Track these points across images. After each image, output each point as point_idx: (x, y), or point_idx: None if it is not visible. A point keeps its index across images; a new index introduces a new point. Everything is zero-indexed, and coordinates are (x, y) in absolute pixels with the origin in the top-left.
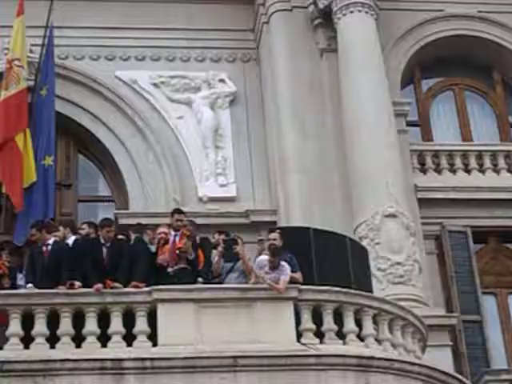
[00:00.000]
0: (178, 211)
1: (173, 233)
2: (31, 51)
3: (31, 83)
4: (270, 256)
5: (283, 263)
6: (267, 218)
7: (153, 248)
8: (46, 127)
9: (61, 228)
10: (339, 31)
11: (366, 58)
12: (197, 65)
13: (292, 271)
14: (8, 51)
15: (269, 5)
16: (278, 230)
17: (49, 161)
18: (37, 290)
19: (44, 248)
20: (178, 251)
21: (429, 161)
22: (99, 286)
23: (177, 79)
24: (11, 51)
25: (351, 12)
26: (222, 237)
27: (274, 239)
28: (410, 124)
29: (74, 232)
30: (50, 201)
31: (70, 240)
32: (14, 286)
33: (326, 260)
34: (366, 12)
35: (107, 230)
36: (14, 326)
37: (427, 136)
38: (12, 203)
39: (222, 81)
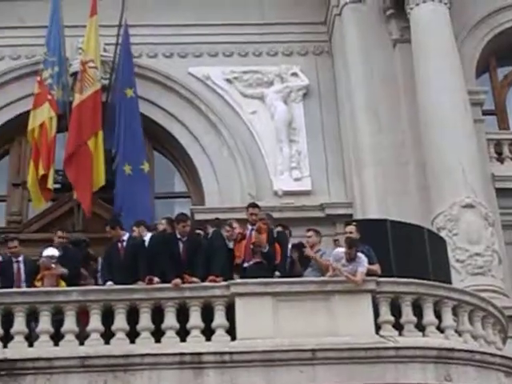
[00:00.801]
0: (252, 205)
1: (249, 227)
2: (105, 50)
3: (105, 82)
4: (346, 248)
5: (360, 255)
6: (343, 211)
7: (230, 244)
8: (135, 131)
9: (134, 227)
10: (412, 21)
11: (439, 47)
12: (269, 59)
13: (369, 263)
14: (81, 52)
15: None
16: (354, 223)
17: (147, 166)
18: (116, 286)
19: (119, 245)
20: (251, 246)
21: (506, 150)
22: (177, 280)
23: (249, 74)
24: (84, 53)
25: (424, 1)
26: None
27: (351, 232)
28: (485, 113)
29: (149, 229)
30: (146, 203)
31: (146, 237)
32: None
33: (404, 252)
34: (440, 1)
35: (183, 224)
36: (94, 322)
37: (503, 124)
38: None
39: (294, 74)
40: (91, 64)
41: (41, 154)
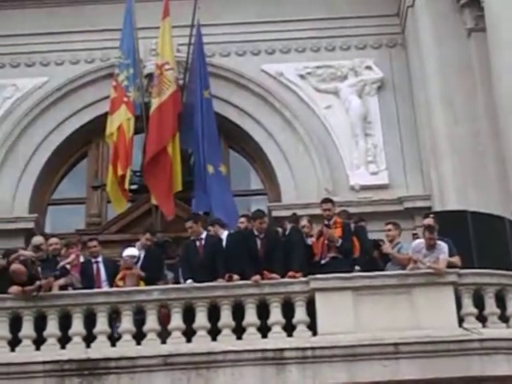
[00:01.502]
0: (325, 201)
1: (325, 223)
2: (178, 50)
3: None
4: (426, 234)
5: (440, 242)
6: (421, 204)
7: (309, 241)
8: (212, 132)
9: (209, 227)
10: (486, 9)
11: None
12: (342, 53)
13: (450, 255)
14: (155, 52)
15: None
16: (432, 215)
17: (224, 169)
18: (196, 284)
19: (197, 243)
20: (326, 241)
21: None
22: (257, 277)
23: (323, 69)
24: (159, 56)
25: None
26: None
27: (429, 224)
28: None
29: (223, 227)
30: (231, 205)
31: (223, 235)
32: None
33: (485, 243)
34: None
35: (260, 221)
36: (176, 320)
37: None
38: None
39: (368, 68)
40: (167, 66)
41: (119, 155)
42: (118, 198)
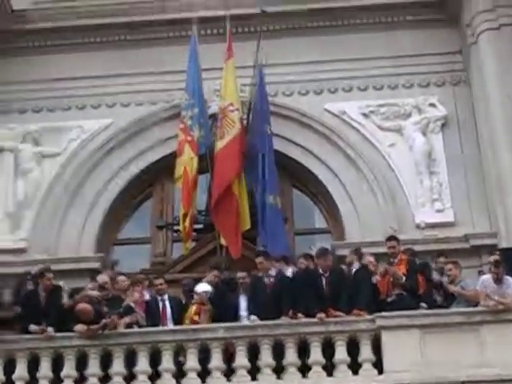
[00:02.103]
0: (389, 238)
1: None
2: (242, 91)
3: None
4: (493, 269)
5: (508, 277)
6: (487, 242)
7: (373, 279)
8: (272, 166)
9: (261, 260)
10: None
11: None
12: (405, 91)
13: None
14: (219, 93)
15: (476, 25)
16: (497, 252)
17: (270, 199)
18: (261, 322)
19: (266, 279)
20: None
21: None
22: (322, 315)
23: (386, 107)
24: (222, 98)
25: None
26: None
27: (497, 261)
28: None
29: (288, 264)
30: (282, 238)
31: (288, 272)
32: None
33: None
34: None
35: (324, 258)
36: (240, 358)
37: None
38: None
39: (432, 105)
40: (231, 108)
41: (182, 194)
42: (185, 236)
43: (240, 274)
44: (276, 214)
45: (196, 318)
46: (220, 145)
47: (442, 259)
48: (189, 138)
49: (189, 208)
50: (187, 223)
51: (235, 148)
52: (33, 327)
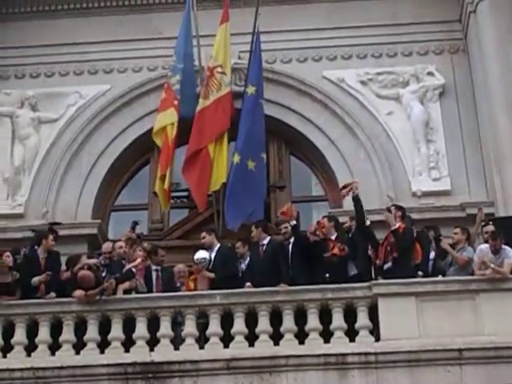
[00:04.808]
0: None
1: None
2: (239, 57)
3: (238, 89)
4: (491, 240)
5: (505, 247)
6: (484, 211)
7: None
8: (254, 129)
9: (253, 228)
10: None
11: None
12: (404, 59)
13: None
14: (210, 58)
15: None
16: (490, 222)
17: (251, 165)
18: (259, 289)
19: (260, 248)
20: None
21: None
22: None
23: (384, 75)
24: (213, 59)
25: None
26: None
27: (493, 232)
28: None
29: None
30: (259, 203)
31: (265, 240)
32: None
33: None
34: None
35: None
36: (239, 325)
37: None
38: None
39: (430, 74)
40: (219, 69)
41: (161, 155)
42: (163, 198)
43: (237, 244)
44: (262, 171)
45: (191, 284)
46: (202, 104)
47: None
48: (175, 102)
49: (166, 169)
50: (166, 185)
51: (218, 110)
52: (35, 279)
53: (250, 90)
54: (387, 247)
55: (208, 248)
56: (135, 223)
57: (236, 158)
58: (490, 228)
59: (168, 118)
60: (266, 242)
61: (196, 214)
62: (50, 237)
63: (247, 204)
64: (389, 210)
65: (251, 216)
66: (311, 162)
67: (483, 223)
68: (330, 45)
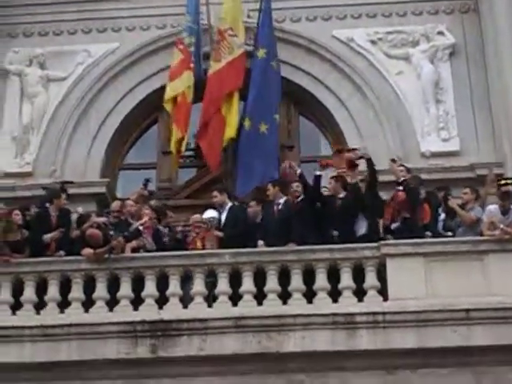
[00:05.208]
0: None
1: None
2: (249, 16)
3: (247, 48)
4: (500, 200)
5: None
6: (493, 171)
7: None
8: (266, 92)
9: (269, 187)
10: None
11: None
12: (414, 19)
13: None
14: (220, 20)
15: None
16: (503, 181)
17: (263, 128)
18: (267, 248)
19: (275, 207)
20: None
21: None
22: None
23: (394, 35)
24: (223, 20)
25: None
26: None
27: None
28: None
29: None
30: (273, 164)
31: (281, 199)
32: None
33: None
34: None
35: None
36: (247, 283)
37: None
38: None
39: (440, 33)
40: (230, 32)
41: (178, 118)
42: (176, 159)
43: (251, 203)
44: (266, 142)
45: (199, 244)
46: (215, 67)
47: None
48: (191, 65)
49: (185, 131)
50: (183, 147)
51: (231, 72)
52: (47, 236)
53: (261, 53)
54: (395, 206)
55: (219, 207)
56: (147, 181)
57: (247, 123)
58: (505, 189)
59: (185, 82)
60: (281, 201)
61: (205, 173)
62: (63, 196)
63: (260, 169)
64: (393, 160)
65: (264, 178)
66: (320, 122)
67: (503, 181)
68: (340, 3)
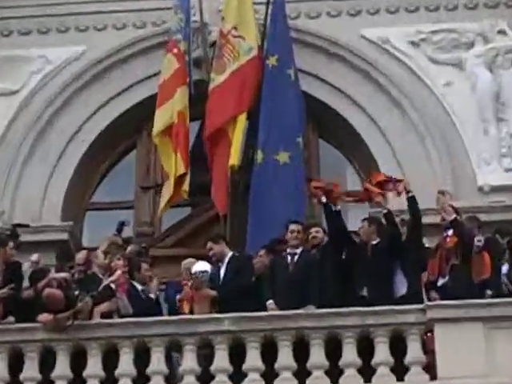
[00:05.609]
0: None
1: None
2: (255, 11)
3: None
4: None
5: None
6: None
7: None
8: (282, 110)
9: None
10: None
11: None
12: (467, 14)
13: None
14: (221, 20)
15: None
16: None
17: (284, 157)
18: (277, 312)
19: (289, 257)
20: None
21: None
22: None
23: (442, 34)
24: (225, 20)
25: None
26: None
27: None
28: None
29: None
30: (296, 203)
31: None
32: None
33: None
34: None
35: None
36: (251, 360)
37: None
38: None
39: (501, 32)
40: (234, 33)
41: (179, 148)
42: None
43: (260, 252)
44: (289, 174)
45: (186, 308)
46: (217, 81)
47: None
48: (187, 80)
49: (187, 167)
50: (185, 187)
51: (235, 86)
52: None
53: (271, 61)
54: (443, 256)
55: (216, 262)
56: (122, 224)
57: (259, 156)
58: None
59: (181, 101)
60: (298, 251)
61: (196, 215)
62: (10, 244)
63: (282, 212)
64: (442, 192)
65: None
66: (345, 146)
67: None
68: None
